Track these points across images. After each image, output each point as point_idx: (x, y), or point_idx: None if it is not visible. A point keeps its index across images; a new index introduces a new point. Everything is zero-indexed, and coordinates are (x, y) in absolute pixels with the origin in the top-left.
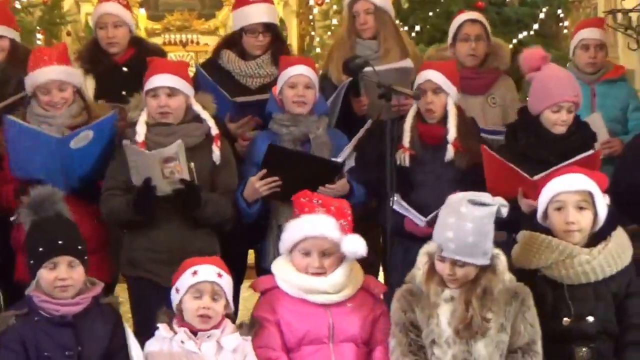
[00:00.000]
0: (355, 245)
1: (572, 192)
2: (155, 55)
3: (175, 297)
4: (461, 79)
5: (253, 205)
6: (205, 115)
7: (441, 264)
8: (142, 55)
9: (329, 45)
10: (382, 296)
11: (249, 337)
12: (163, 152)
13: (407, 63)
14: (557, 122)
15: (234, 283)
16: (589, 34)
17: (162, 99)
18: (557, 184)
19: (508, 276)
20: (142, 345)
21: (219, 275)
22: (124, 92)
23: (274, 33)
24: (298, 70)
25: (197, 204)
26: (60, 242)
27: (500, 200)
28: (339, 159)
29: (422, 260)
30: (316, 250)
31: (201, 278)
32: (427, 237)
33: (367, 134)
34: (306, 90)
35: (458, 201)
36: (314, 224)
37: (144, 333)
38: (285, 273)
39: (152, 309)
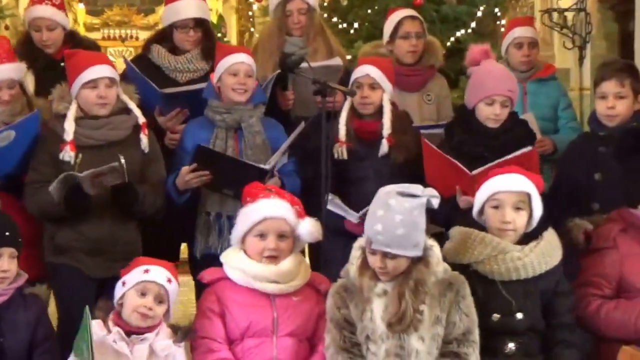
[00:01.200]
0: (312, 227)
1: (511, 192)
2: (90, 49)
3: (119, 290)
4: (397, 76)
5: (183, 194)
6: (132, 105)
7: (372, 257)
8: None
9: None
10: None
11: (182, 345)
12: (95, 172)
13: (338, 61)
14: (490, 115)
15: None
16: (522, 32)
17: (102, 89)
18: (497, 182)
19: (442, 267)
20: (66, 332)
21: (169, 280)
22: None
23: (204, 28)
24: (240, 58)
25: (135, 199)
26: (6, 233)
27: (430, 191)
28: (267, 166)
29: (355, 254)
30: (274, 232)
31: (151, 277)
32: None
33: (300, 136)
34: (247, 79)
35: (387, 193)
36: (273, 206)
37: (68, 321)
38: (235, 261)
39: (76, 296)
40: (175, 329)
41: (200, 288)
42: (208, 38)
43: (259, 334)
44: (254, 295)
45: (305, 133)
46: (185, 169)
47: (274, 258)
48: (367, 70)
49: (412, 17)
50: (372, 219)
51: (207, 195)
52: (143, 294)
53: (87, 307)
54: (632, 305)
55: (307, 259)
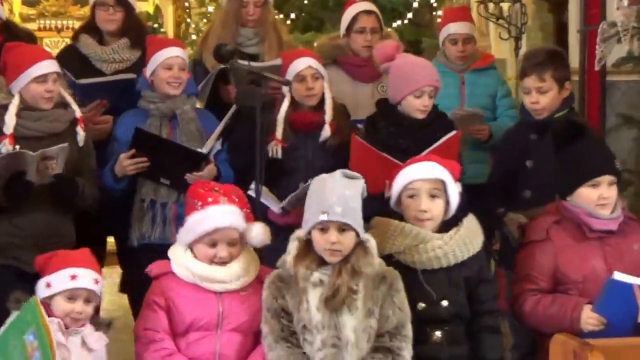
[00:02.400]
0: (262, 233)
1: (425, 180)
2: (26, 40)
3: (44, 291)
4: (353, 67)
5: (121, 181)
6: (69, 99)
7: (324, 236)
8: (13, 41)
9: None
10: None
11: (105, 335)
12: (46, 152)
13: (278, 62)
14: (420, 107)
15: None
16: (457, 28)
17: (50, 84)
18: (411, 171)
19: (378, 260)
20: None
21: (96, 281)
22: None
23: (126, 10)
24: (174, 52)
25: (75, 191)
26: None
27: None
28: (204, 150)
29: (292, 245)
30: (225, 240)
31: (79, 284)
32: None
33: (235, 119)
34: (181, 72)
35: (333, 175)
36: (223, 215)
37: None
38: (183, 259)
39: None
40: (96, 323)
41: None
42: (132, 22)
43: (204, 328)
44: (199, 290)
45: (233, 123)
46: (123, 155)
47: (223, 263)
48: (308, 62)
49: (368, 12)
50: (322, 196)
51: (141, 182)
52: (72, 299)
53: (36, 297)
54: (568, 299)
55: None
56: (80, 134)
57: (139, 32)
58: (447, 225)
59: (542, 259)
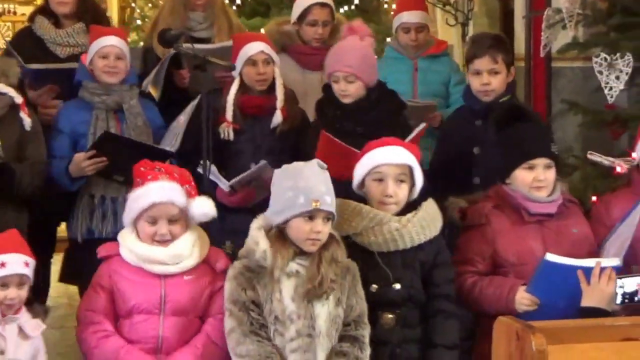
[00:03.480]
0: (205, 206)
1: (393, 165)
2: None
3: None
4: (302, 55)
5: (77, 182)
6: (5, 87)
7: (309, 225)
8: None
9: (150, 17)
10: None
11: (43, 322)
12: None
13: (229, 43)
14: (339, 91)
15: (44, 258)
16: (409, 17)
17: None
18: (379, 155)
19: (343, 251)
20: None
21: (26, 264)
22: None
23: None
24: (110, 41)
25: (12, 179)
26: None
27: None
28: (172, 148)
29: (258, 235)
30: (164, 217)
31: (9, 271)
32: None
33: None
34: (117, 61)
35: (311, 165)
36: (161, 190)
37: None
38: (128, 242)
39: None
40: (33, 311)
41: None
42: (87, 5)
43: (146, 311)
44: (144, 274)
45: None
46: (80, 155)
47: (165, 242)
48: (261, 47)
49: (322, 5)
50: (308, 185)
51: (91, 178)
52: (4, 286)
53: None
54: (505, 280)
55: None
56: (26, 119)
57: (95, 16)
58: (408, 208)
59: (481, 243)
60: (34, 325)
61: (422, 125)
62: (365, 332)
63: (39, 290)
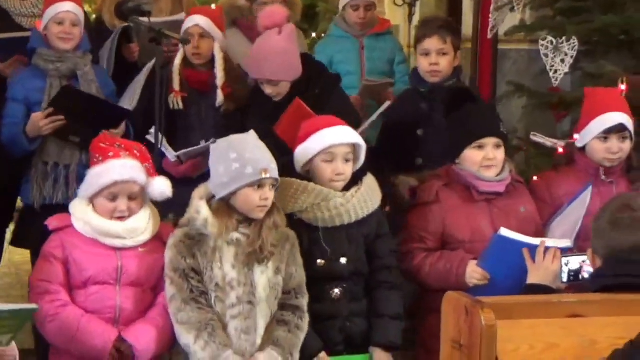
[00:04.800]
0: (163, 186)
1: (343, 144)
2: None
3: None
4: (250, 30)
5: (34, 142)
6: None
7: (258, 193)
8: None
9: None
10: None
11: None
12: None
13: (181, 17)
14: (268, 93)
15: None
16: None
17: None
18: (330, 136)
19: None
20: None
21: None
22: None
23: None
24: (65, 7)
25: None
26: None
27: None
28: (129, 106)
29: (199, 204)
30: (125, 194)
31: None
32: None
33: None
34: (73, 28)
35: (251, 136)
36: (123, 169)
37: None
38: (83, 214)
39: None
40: None
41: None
42: None
43: (103, 282)
44: (99, 245)
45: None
46: (38, 115)
47: (123, 218)
48: (196, 20)
49: None
50: (254, 156)
51: (44, 145)
52: None
53: None
54: (454, 255)
55: None
56: None
57: None
58: (348, 182)
59: (431, 220)
60: None
61: (387, 104)
62: (305, 301)
63: None
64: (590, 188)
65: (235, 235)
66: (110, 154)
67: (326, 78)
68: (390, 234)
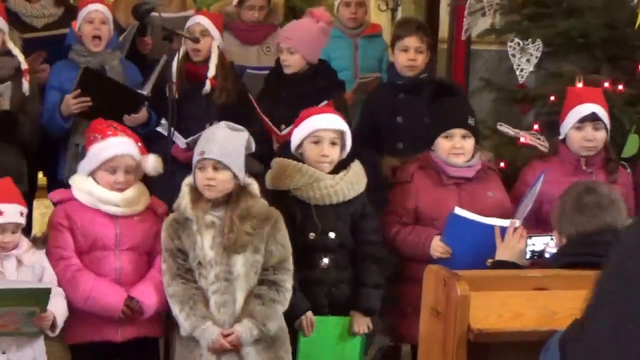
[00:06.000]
0: (156, 162)
1: (329, 129)
2: None
3: None
4: (240, 31)
5: (68, 120)
6: (16, 51)
7: (202, 174)
8: None
9: None
10: None
11: (43, 249)
12: None
13: (189, 13)
14: (282, 61)
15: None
16: None
17: None
18: (317, 121)
19: (262, 201)
20: None
21: (21, 214)
22: None
23: None
24: (94, 7)
25: (16, 124)
26: None
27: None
28: (145, 92)
29: (185, 190)
30: (123, 167)
31: (7, 219)
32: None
33: (163, 70)
34: (102, 25)
35: (217, 125)
36: (122, 144)
37: None
38: (84, 185)
39: None
40: (34, 240)
41: None
42: None
43: (104, 247)
44: (99, 214)
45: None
46: (69, 95)
47: (121, 189)
48: (198, 19)
49: None
50: (205, 140)
51: (76, 129)
52: (0, 233)
53: None
54: (423, 230)
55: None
56: (25, 85)
57: None
58: (338, 167)
59: (406, 198)
60: (31, 255)
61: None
62: (285, 276)
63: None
64: (541, 178)
65: (209, 218)
66: (109, 132)
67: (332, 78)
68: (374, 213)
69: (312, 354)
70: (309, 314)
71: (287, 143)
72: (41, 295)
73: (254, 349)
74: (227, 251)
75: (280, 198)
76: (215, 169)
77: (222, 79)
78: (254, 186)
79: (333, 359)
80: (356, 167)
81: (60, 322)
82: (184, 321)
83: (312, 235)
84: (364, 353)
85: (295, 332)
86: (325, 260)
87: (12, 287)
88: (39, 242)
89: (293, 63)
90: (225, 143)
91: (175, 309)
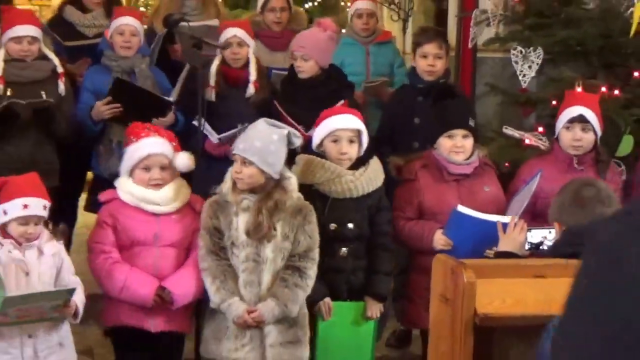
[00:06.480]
0: (187, 159)
1: (347, 129)
2: None
3: (2, 217)
4: (268, 38)
5: (98, 124)
6: (51, 55)
7: (235, 166)
8: None
9: (151, 5)
10: None
11: (62, 241)
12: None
13: (215, 22)
14: (296, 67)
15: (73, 197)
16: (362, 5)
17: (24, 45)
18: (336, 121)
19: (296, 195)
20: None
21: (45, 207)
22: None
23: None
24: (125, 21)
25: (53, 118)
26: None
27: (293, 130)
28: (171, 98)
29: (228, 176)
30: (157, 165)
31: (31, 212)
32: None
33: (189, 76)
34: (131, 37)
35: (257, 121)
36: (155, 144)
37: None
38: (126, 186)
39: None
40: (54, 232)
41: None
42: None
43: (143, 243)
44: (140, 213)
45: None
46: (100, 102)
47: (157, 185)
48: (234, 32)
49: None
50: (242, 135)
51: (111, 126)
52: (24, 224)
53: None
54: (427, 224)
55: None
56: (61, 86)
57: (114, 4)
58: (357, 163)
59: (410, 194)
60: (51, 245)
61: (341, 102)
62: (310, 264)
63: (71, 221)
64: (538, 176)
65: (247, 203)
66: (143, 134)
67: (343, 80)
68: (389, 207)
69: (330, 337)
70: (327, 299)
71: (309, 142)
72: (65, 295)
73: (276, 328)
74: (251, 238)
75: (303, 191)
76: (243, 163)
77: (259, 80)
78: (290, 181)
79: (349, 341)
80: (375, 163)
81: (80, 310)
82: (214, 294)
83: (332, 226)
84: (377, 336)
85: (314, 317)
86: (344, 250)
87: (39, 291)
88: (58, 234)
89: (307, 69)
90: (254, 140)
91: (207, 282)
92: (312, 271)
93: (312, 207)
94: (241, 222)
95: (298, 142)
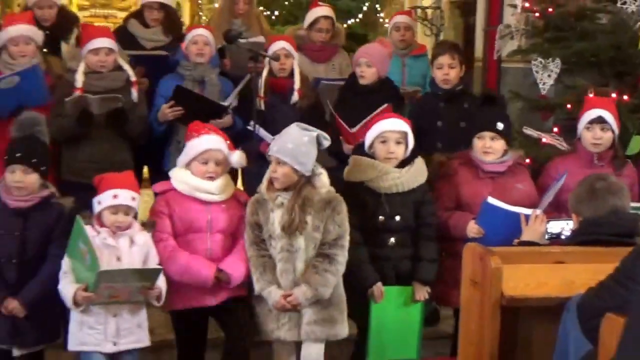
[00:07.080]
0: (241, 157)
1: (394, 131)
2: (72, 21)
3: (96, 207)
4: (311, 52)
5: (162, 125)
6: (126, 66)
7: (272, 166)
8: (65, 21)
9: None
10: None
11: (150, 232)
12: (103, 97)
13: (261, 39)
14: (358, 72)
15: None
16: (400, 18)
17: (102, 56)
18: (384, 124)
19: (325, 189)
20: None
21: (133, 199)
22: None
23: (166, 11)
24: (199, 32)
25: (126, 119)
26: (17, 154)
27: (322, 133)
28: (226, 103)
29: (266, 177)
30: (214, 159)
31: (120, 202)
32: None
33: (246, 85)
34: (204, 46)
35: (290, 126)
36: (213, 140)
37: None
38: (182, 176)
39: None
40: (144, 224)
41: None
42: (170, 18)
43: (198, 230)
44: (194, 202)
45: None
46: (164, 105)
47: (211, 178)
48: (282, 45)
49: (326, 17)
50: (275, 139)
51: (178, 129)
52: (115, 213)
53: (77, 217)
54: (462, 215)
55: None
56: (134, 94)
57: (173, 23)
58: (404, 162)
59: (450, 188)
60: (140, 235)
61: (384, 106)
62: (339, 251)
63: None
64: (564, 176)
65: (281, 200)
66: (203, 131)
67: (395, 92)
68: (432, 200)
69: (382, 318)
70: (379, 284)
71: (361, 144)
72: (153, 274)
73: (311, 309)
74: (284, 231)
75: (355, 188)
76: (278, 163)
77: (304, 89)
78: (321, 177)
79: (399, 322)
80: (419, 162)
81: (163, 295)
82: (255, 283)
83: (381, 218)
84: (424, 316)
85: (368, 300)
86: (392, 240)
87: (129, 267)
88: (148, 226)
89: (368, 75)
90: (287, 142)
91: (252, 270)
92: (342, 257)
93: (341, 199)
94: (276, 217)
95: (327, 143)
